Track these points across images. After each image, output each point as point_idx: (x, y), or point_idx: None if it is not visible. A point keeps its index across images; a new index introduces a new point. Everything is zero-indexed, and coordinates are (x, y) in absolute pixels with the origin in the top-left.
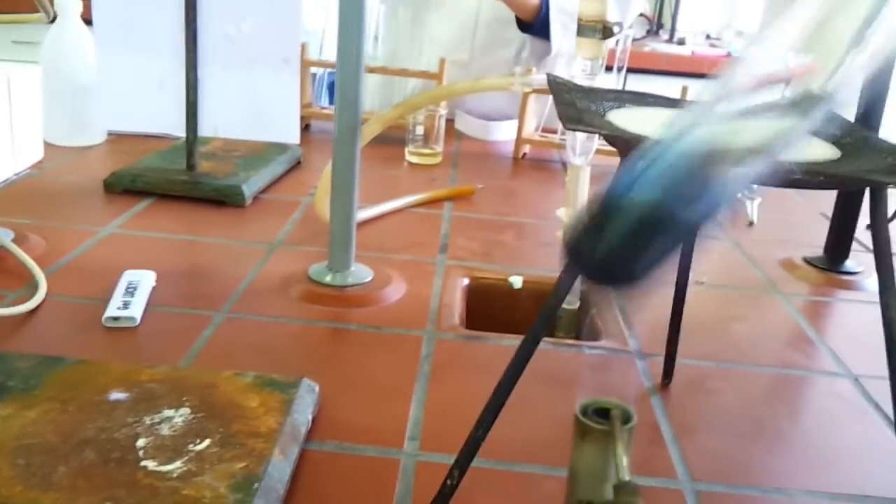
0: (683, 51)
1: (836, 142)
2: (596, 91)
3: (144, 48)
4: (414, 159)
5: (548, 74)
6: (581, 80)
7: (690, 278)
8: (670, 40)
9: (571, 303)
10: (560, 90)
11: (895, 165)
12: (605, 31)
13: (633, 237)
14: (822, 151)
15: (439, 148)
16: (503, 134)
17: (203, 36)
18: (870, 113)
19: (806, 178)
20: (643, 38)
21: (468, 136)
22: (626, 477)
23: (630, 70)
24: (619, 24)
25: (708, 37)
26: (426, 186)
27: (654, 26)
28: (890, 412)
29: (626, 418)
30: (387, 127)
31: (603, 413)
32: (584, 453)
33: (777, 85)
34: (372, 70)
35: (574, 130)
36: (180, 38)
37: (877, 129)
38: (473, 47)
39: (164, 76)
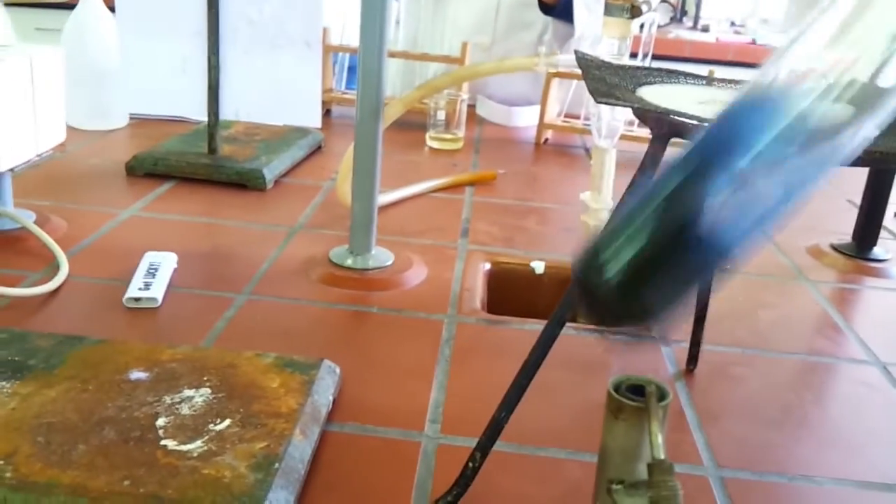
0: (708, 38)
1: None
2: (626, 67)
3: (166, 32)
4: (435, 144)
5: (576, 52)
6: (611, 60)
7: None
8: (694, 27)
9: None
10: (590, 66)
11: None
12: (634, 11)
13: (652, 268)
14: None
15: (461, 133)
16: (525, 119)
17: (225, 19)
18: None
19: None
20: (667, 24)
21: (490, 122)
22: (662, 455)
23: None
24: (648, 3)
25: (732, 24)
26: (447, 171)
27: (679, 13)
28: None
29: (662, 395)
30: (408, 110)
31: (637, 390)
32: (616, 431)
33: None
34: (393, 55)
35: (605, 104)
36: (202, 21)
37: None
38: (495, 31)
39: (185, 60)
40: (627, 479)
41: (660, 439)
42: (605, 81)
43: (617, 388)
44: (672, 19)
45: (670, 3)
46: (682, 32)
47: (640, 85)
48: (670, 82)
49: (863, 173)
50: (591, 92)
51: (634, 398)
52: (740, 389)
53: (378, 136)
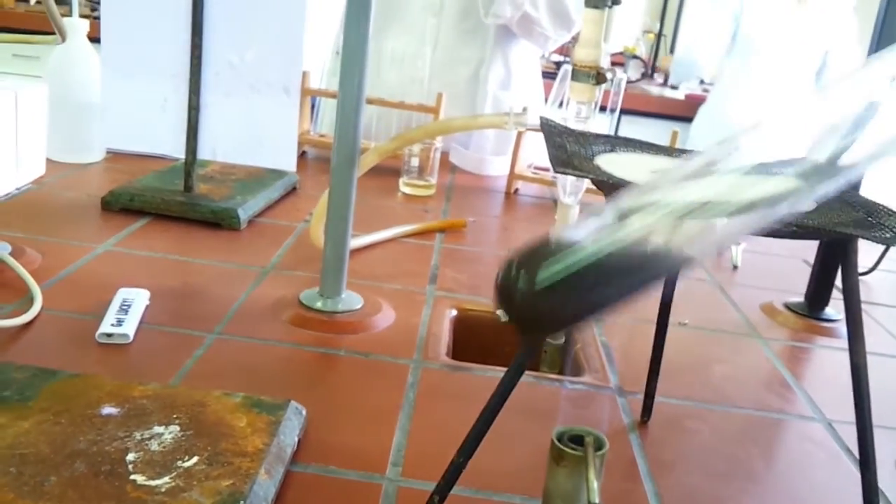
0: (677, 95)
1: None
2: (587, 135)
3: (149, 70)
4: (408, 190)
5: (541, 118)
6: (574, 124)
7: (671, 319)
8: (664, 84)
9: (556, 338)
10: (552, 133)
11: (865, 220)
12: (599, 77)
13: (573, 284)
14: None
15: (433, 180)
16: (497, 169)
17: (207, 62)
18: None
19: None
20: (637, 80)
21: (462, 170)
22: (596, 500)
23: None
24: (612, 71)
25: (702, 82)
26: (419, 217)
27: (650, 69)
28: None
29: (599, 445)
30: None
31: (577, 440)
32: (558, 477)
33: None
34: (371, 102)
35: (562, 173)
36: (185, 62)
37: (858, 183)
38: (432, 65)
39: (166, 99)
40: None
41: (595, 485)
42: (565, 149)
43: (560, 438)
44: (643, 75)
45: (641, 60)
46: (653, 88)
47: (599, 153)
48: (628, 151)
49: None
50: (550, 160)
51: (574, 447)
52: (692, 442)
53: (353, 183)
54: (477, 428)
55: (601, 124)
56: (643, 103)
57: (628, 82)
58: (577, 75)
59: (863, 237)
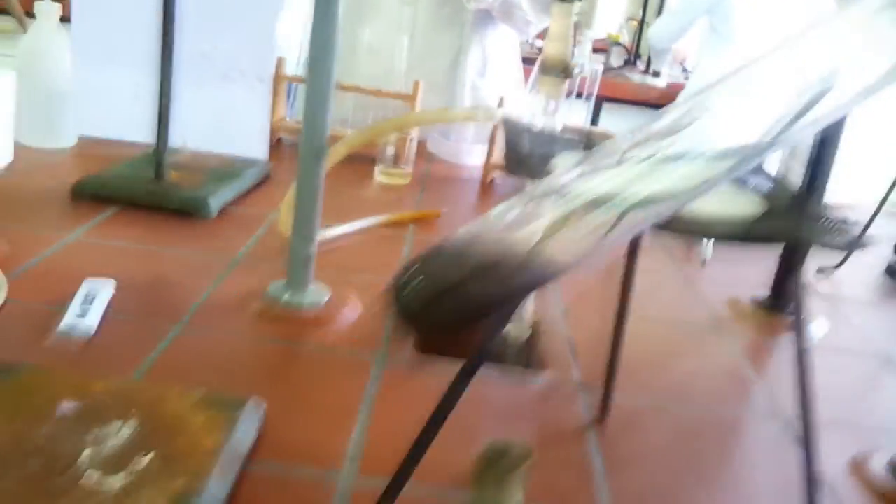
0: (659, 82)
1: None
2: (548, 135)
3: (121, 58)
4: (384, 179)
5: (504, 116)
6: (542, 117)
7: (628, 316)
8: (646, 71)
9: (522, 333)
10: (512, 132)
11: (813, 227)
12: (566, 72)
13: (459, 287)
14: (749, 207)
15: (409, 169)
16: (474, 158)
17: (179, 51)
18: (816, 174)
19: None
20: (620, 68)
21: (440, 159)
22: None
23: (606, 99)
24: (581, 66)
25: (684, 70)
26: (394, 206)
27: (632, 56)
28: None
29: (523, 457)
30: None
31: (503, 452)
32: (483, 488)
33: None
34: (346, 88)
35: (514, 176)
36: (157, 50)
37: (822, 189)
38: (410, 54)
39: (138, 87)
40: None
41: (519, 496)
42: (520, 151)
43: (488, 450)
44: (626, 62)
45: (624, 47)
46: (635, 76)
47: (560, 152)
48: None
49: None
50: (504, 161)
51: (501, 459)
52: (649, 439)
53: (320, 178)
54: (428, 426)
55: (579, 112)
56: (625, 91)
57: (611, 69)
58: (544, 69)
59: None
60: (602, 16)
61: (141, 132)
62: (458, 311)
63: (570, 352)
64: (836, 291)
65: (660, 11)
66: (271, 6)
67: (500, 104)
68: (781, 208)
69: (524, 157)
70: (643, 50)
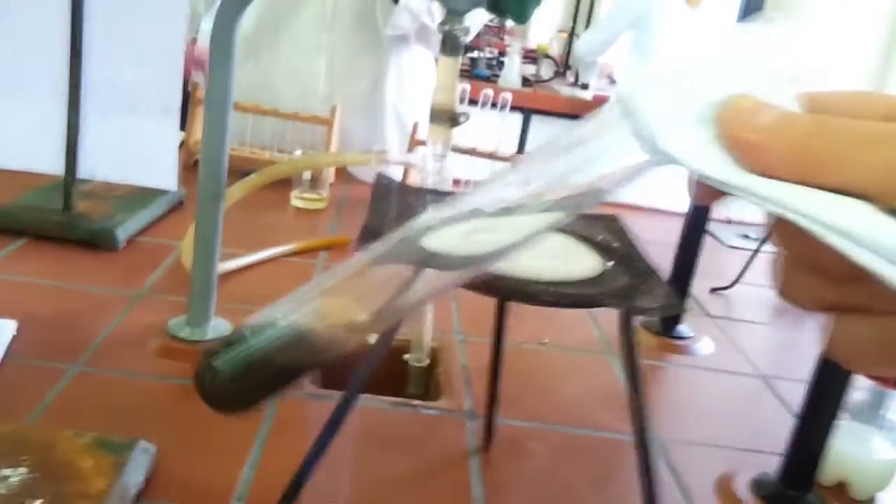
0: (585, 94)
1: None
2: (424, 193)
3: (27, 88)
4: (300, 203)
5: (378, 175)
6: (432, 162)
7: (504, 344)
8: (575, 83)
9: (421, 361)
10: (382, 194)
11: (637, 286)
12: (452, 121)
13: (252, 371)
14: (590, 268)
15: (325, 193)
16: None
17: (87, 81)
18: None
19: (551, 298)
20: (550, 79)
21: (359, 180)
22: None
23: (534, 111)
24: (466, 115)
25: (612, 81)
26: (308, 233)
27: (562, 68)
28: (685, 481)
29: None
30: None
31: None
32: None
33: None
34: (264, 112)
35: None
36: (64, 80)
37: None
38: (330, 77)
39: (45, 117)
40: None
41: None
42: (384, 214)
43: None
44: (556, 74)
45: (553, 59)
46: (563, 88)
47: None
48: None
49: (671, 251)
50: (362, 229)
51: None
52: (529, 465)
53: (218, 220)
54: (308, 459)
55: (511, 125)
56: (553, 104)
57: (541, 81)
58: (433, 118)
59: (626, 308)
60: (533, 27)
61: (49, 162)
62: (260, 389)
63: (463, 379)
64: (728, 311)
65: (588, 23)
66: (176, 38)
67: (415, 131)
68: (617, 270)
69: (388, 220)
70: (572, 62)
